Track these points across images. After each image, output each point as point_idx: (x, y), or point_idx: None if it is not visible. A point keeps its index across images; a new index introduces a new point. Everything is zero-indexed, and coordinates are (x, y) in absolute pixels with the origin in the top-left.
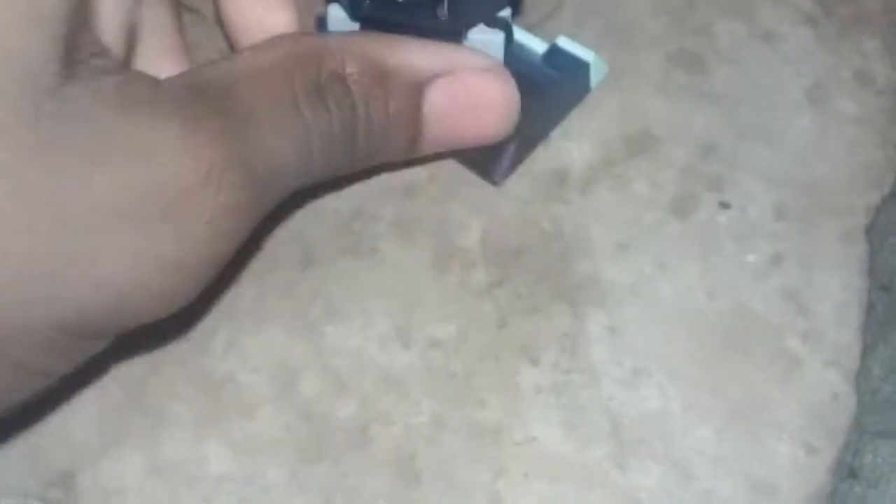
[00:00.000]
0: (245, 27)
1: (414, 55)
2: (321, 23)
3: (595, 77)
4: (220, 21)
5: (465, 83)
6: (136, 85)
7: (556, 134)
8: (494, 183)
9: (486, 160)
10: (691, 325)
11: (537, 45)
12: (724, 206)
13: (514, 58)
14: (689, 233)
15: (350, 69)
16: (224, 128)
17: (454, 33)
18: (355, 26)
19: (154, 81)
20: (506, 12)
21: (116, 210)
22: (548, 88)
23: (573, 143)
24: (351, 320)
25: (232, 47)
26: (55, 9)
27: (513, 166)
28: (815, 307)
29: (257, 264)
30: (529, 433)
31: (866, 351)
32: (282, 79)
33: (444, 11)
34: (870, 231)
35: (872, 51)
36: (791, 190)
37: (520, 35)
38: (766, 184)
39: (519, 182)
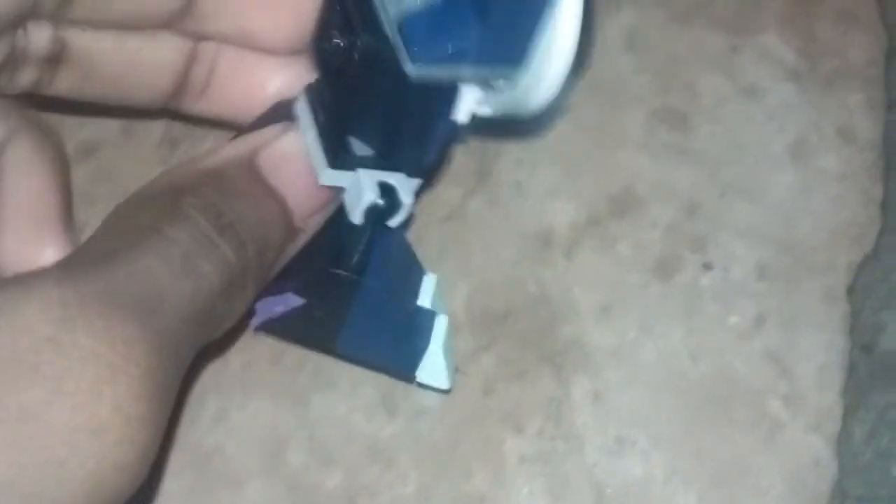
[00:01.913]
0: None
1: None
2: None
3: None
4: None
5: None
6: None
7: (540, 193)
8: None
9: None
10: (675, 388)
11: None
12: (707, 266)
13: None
14: (673, 294)
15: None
16: (67, 272)
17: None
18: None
19: None
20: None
21: None
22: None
23: (558, 204)
24: (338, 388)
25: None
26: None
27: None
28: (797, 369)
29: (245, 331)
30: None
31: (847, 414)
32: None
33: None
34: (851, 290)
35: (856, 105)
36: (774, 249)
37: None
38: (749, 243)
39: (505, 244)
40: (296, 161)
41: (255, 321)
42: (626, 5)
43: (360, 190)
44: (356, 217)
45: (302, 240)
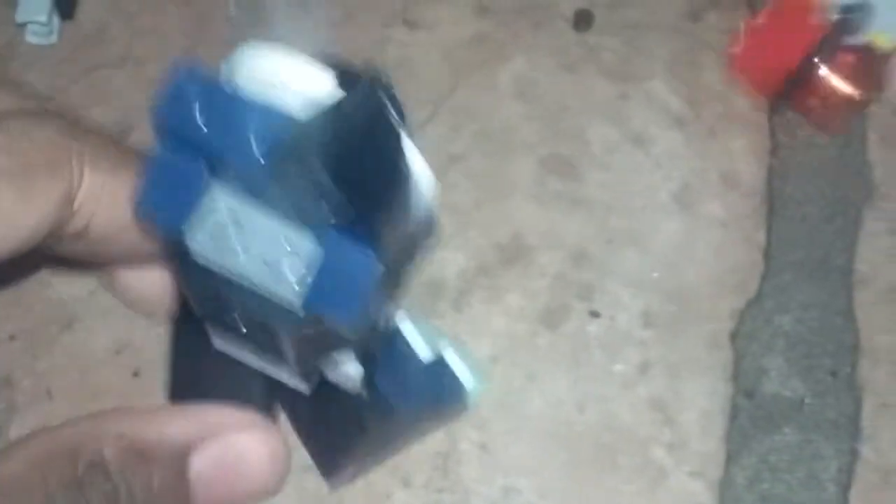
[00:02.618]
0: None
1: (174, 424)
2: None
3: (473, 397)
4: None
5: (230, 444)
6: None
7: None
8: (329, 485)
9: (332, 461)
10: (561, 438)
11: (423, 350)
12: (594, 315)
13: (393, 364)
14: (560, 343)
15: (108, 453)
16: None
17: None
18: None
19: None
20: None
21: None
22: (417, 412)
23: (448, 254)
24: None
25: None
26: None
27: (354, 478)
28: (681, 416)
29: None
30: None
31: (730, 460)
32: (36, 482)
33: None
34: (735, 336)
35: (739, 150)
36: (659, 296)
37: (409, 331)
38: (635, 290)
39: None
40: (240, 464)
41: (333, 486)
42: (517, 54)
43: (346, 374)
44: (360, 388)
45: None
